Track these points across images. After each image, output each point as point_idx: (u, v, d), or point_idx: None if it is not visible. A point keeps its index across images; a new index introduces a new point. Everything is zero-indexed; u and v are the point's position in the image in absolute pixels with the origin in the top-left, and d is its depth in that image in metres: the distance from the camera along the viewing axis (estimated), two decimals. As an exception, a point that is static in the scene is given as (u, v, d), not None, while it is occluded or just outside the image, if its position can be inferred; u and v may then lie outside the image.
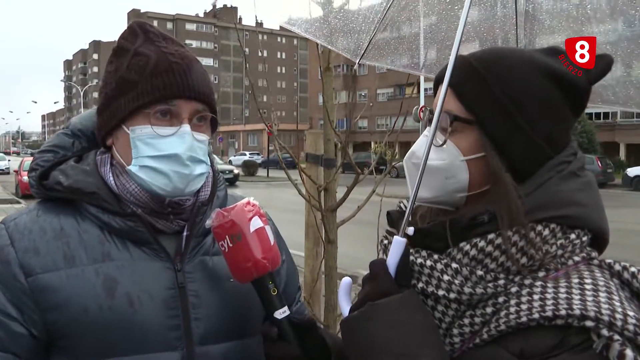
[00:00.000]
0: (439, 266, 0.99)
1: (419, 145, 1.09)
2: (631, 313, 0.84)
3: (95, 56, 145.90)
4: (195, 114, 1.20)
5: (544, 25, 1.84)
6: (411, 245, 1.05)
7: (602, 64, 1.03)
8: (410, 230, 1.04)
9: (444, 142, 1.04)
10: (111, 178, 1.22)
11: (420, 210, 1.17)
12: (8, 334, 1.10)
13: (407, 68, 2.18)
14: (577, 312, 0.85)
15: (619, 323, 0.83)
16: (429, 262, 1.00)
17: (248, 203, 1.21)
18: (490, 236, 0.97)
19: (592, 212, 1.00)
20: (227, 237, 1.15)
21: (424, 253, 1.02)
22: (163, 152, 1.17)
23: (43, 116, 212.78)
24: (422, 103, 22.12)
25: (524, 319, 0.89)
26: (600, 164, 28.60)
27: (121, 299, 1.13)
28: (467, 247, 0.98)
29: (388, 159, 3.38)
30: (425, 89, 26.27)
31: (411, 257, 1.03)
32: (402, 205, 1.20)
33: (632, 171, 28.93)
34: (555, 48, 1.06)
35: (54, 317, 1.11)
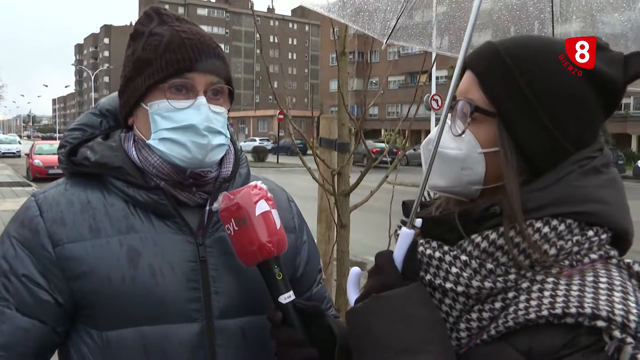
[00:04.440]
0: (448, 258, 0.95)
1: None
2: None
3: (106, 40, 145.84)
4: (209, 86, 1.23)
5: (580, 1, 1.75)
6: (422, 236, 1.02)
7: None
8: (418, 222, 1.01)
9: (463, 132, 0.99)
10: (134, 152, 1.26)
11: (438, 201, 1.14)
12: (35, 300, 1.14)
13: (438, 49, 2.08)
14: (589, 310, 0.81)
15: (633, 325, 0.78)
16: (437, 254, 0.97)
17: (255, 186, 1.20)
18: (503, 229, 0.92)
19: (613, 210, 0.93)
20: (232, 220, 1.16)
21: (434, 244, 0.99)
22: (180, 124, 1.20)
23: (54, 100, 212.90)
24: (433, 91, 22.03)
25: (533, 315, 0.85)
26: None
27: (144, 270, 1.16)
28: (479, 239, 0.94)
29: (400, 146, 3.42)
30: (437, 77, 26.01)
31: (420, 248, 1.00)
32: (424, 195, 1.16)
33: (644, 163, 28.70)
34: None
35: (79, 286, 1.15)
